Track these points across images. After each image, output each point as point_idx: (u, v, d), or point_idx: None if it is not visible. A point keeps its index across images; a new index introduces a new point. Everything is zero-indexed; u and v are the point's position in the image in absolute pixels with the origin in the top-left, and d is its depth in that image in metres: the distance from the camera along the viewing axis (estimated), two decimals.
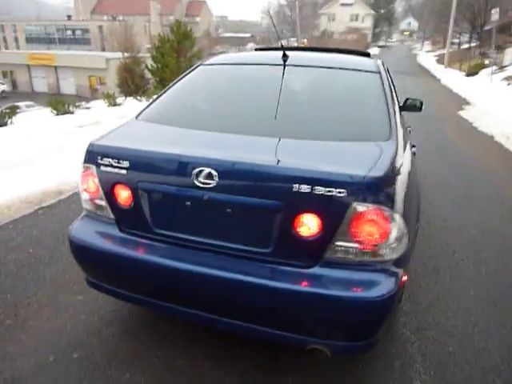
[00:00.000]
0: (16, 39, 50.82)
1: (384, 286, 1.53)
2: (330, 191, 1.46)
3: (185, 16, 59.99)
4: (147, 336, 2.12)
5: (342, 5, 59.37)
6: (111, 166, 1.75)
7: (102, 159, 1.77)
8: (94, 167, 1.80)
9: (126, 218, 1.82)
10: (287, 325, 1.63)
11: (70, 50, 42.29)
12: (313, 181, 1.48)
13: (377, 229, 1.52)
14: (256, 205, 1.55)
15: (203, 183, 1.57)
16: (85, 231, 1.88)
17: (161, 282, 1.74)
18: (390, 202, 1.52)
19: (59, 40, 49.43)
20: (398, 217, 1.54)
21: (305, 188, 1.47)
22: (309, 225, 1.53)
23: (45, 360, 1.96)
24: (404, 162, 1.79)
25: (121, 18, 56.11)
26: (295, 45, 36.38)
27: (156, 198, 1.73)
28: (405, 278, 1.66)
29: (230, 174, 1.56)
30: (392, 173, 1.57)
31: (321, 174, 1.49)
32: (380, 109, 2.01)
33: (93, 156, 1.80)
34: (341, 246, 1.54)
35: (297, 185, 1.48)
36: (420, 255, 2.92)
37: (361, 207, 1.49)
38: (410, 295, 2.47)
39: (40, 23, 50.10)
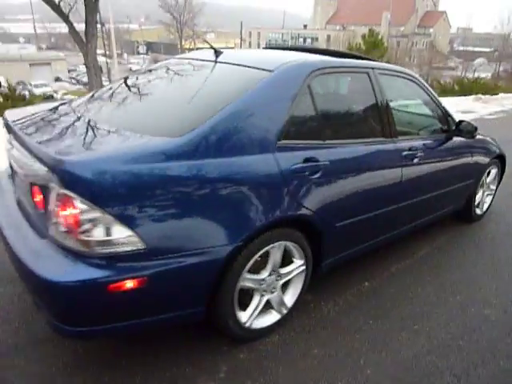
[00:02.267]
0: (258, 44, 59.20)
1: (70, 274, 1.48)
2: (40, 168, 1.53)
3: (417, 27, 57.33)
4: None
5: None
6: None
7: None
8: None
9: None
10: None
11: None
12: (36, 157, 1.58)
13: (68, 215, 1.47)
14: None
15: None
16: None
17: None
18: (88, 193, 1.44)
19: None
20: (101, 212, 1.45)
21: (32, 162, 1.59)
22: (38, 198, 1.62)
23: None
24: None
25: (352, 28, 58.02)
26: None
27: None
28: (130, 282, 1.52)
29: None
30: (108, 163, 1.47)
31: (38, 151, 1.57)
32: (209, 106, 1.82)
33: None
34: (57, 225, 1.55)
35: (32, 159, 1.61)
36: None
37: (55, 189, 1.48)
38: None
39: (279, 31, 56.84)
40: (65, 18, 16.59)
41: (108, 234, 1.48)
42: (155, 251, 1.57)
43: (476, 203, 3.57)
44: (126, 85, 2.37)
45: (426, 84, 2.89)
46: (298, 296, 2.21)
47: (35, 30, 46.35)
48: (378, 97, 2.41)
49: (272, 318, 2.11)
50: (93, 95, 2.38)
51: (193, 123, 1.71)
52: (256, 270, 1.96)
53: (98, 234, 1.47)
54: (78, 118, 1.96)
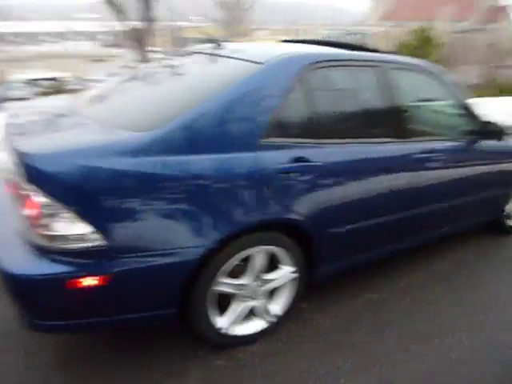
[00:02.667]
0: None
1: (31, 268, 1.49)
2: (12, 162, 1.55)
3: (479, 23, 53.84)
4: None
5: None
6: None
7: None
8: None
9: None
10: None
11: None
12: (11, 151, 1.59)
13: (31, 209, 1.47)
14: None
15: None
16: None
17: None
18: (48, 187, 1.44)
19: None
20: (60, 206, 1.43)
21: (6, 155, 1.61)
22: (12, 193, 1.64)
23: None
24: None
25: (410, 23, 55.50)
26: None
27: None
28: (92, 279, 1.49)
29: None
30: (69, 157, 1.46)
31: (11, 145, 1.58)
32: (188, 100, 1.75)
33: None
34: (24, 219, 1.54)
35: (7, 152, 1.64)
36: None
37: (21, 183, 1.48)
38: None
39: (327, 27, 55.67)
40: (121, 16, 17.33)
41: (68, 229, 1.46)
42: (119, 249, 1.53)
43: (509, 215, 3.23)
44: (124, 79, 2.36)
45: (449, 80, 2.64)
46: (289, 305, 2.08)
47: (95, 28, 48.58)
48: (387, 93, 2.22)
49: (257, 326, 2.02)
50: (91, 92, 2.39)
51: (166, 118, 1.64)
52: (236, 274, 1.87)
53: (58, 228, 1.46)
54: (66, 115, 1.95)
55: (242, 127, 1.74)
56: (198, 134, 1.64)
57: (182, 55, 2.42)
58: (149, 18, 18.79)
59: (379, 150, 2.18)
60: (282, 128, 1.86)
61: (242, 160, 1.72)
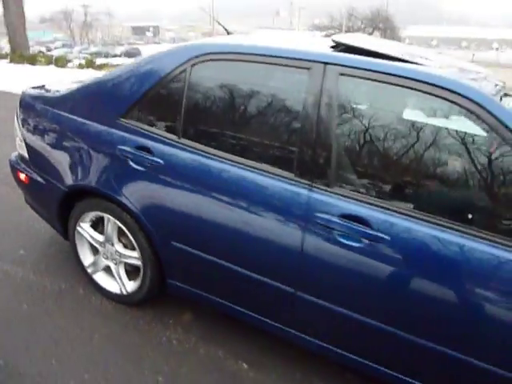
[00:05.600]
0: None
1: (12, 160, 2.45)
2: None
3: None
4: None
5: None
6: None
7: None
8: None
9: None
10: None
11: None
12: None
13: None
14: None
15: None
16: None
17: None
18: (18, 111, 2.28)
19: None
20: (17, 123, 2.30)
21: None
22: None
23: None
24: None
25: None
26: None
27: None
28: (23, 175, 2.31)
29: None
30: (26, 96, 2.25)
31: None
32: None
33: None
34: None
35: None
36: None
37: None
38: None
39: None
40: None
41: (19, 140, 2.32)
42: (32, 163, 2.25)
43: None
44: None
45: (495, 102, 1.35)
46: (138, 289, 2.11)
47: None
48: (310, 108, 1.55)
49: (114, 287, 2.21)
50: None
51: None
52: (100, 231, 2.16)
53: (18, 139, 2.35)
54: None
55: (108, 104, 1.97)
56: (78, 101, 2.06)
57: None
58: None
59: (247, 178, 1.64)
60: (143, 115, 1.89)
61: (98, 131, 1.97)
